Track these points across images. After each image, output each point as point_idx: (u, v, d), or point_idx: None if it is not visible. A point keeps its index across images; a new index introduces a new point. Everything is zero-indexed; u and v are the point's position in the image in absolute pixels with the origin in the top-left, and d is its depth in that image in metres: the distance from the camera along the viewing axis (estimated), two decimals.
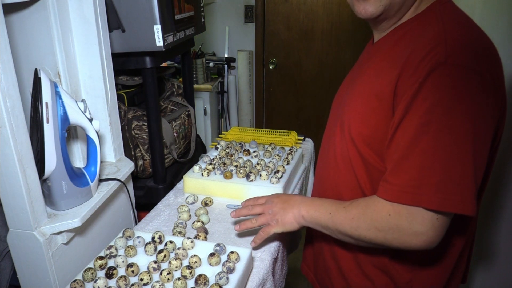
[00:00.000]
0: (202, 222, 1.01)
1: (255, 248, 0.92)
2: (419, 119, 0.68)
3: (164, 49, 1.18)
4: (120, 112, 1.28)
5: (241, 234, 0.98)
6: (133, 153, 1.35)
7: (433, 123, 0.67)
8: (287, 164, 1.19)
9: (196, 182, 1.14)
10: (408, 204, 0.69)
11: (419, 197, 0.68)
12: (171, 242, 0.86)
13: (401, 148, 0.71)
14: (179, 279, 0.74)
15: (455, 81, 0.67)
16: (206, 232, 0.97)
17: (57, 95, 0.87)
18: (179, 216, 1.04)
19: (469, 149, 0.66)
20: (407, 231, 0.71)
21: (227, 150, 1.29)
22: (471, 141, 0.66)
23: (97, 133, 0.97)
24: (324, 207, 0.83)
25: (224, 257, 0.82)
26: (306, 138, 1.53)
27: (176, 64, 2.71)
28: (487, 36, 0.77)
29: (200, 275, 0.75)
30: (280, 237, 0.99)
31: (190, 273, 0.76)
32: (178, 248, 0.84)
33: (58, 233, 0.90)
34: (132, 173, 1.20)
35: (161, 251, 0.82)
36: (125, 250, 0.84)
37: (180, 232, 0.96)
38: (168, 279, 0.75)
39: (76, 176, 0.94)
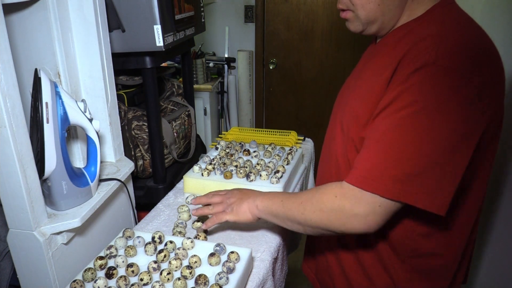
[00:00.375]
0: (202, 222, 1.01)
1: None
2: (396, 112, 0.70)
3: (164, 49, 1.18)
4: (120, 112, 1.28)
5: (241, 235, 0.98)
6: (133, 153, 1.35)
7: (408, 118, 0.69)
8: (287, 164, 1.19)
9: (196, 182, 1.14)
10: (365, 189, 0.71)
11: (376, 184, 0.70)
12: (171, 242, 0.86)
13: (374, 136, 0.73)
14: (179, 279, 0.74)
15: (439, 82, 0.68)
16: (206, 232, 0.97)
17: (57, 95, 0.87)
18: (179, 216, 1.04)
19: (438, 148, 0.68)
20: (348, 212, 0.74)
21: (227, 150, 1.29)
22: (442, 141, 0.68)
23: (97, 133, 0.97)
24: (278, 196, 0.87)
25: (224, 257, 0.82)
26: (306, 138, 1.53)
27: (176, 64, 2.71)
28: (489, 40, 0.76)
29: (200, 275, 0.75)
30: (280, 237, 0.99)
31: (190, 273, 0.76)
32: (178, 248, 0.84)
33: (58, 233, 0.90)
34: (132, 173, 1.20)
35: (161, 251, 0.82)
36: (125, 250, 0.84)
37: (180, 232, 0.96)
38: (168, 279, 0.75)
39: (76, 176, 0.94)
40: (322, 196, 0.78)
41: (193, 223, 1.00)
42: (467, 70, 0.68)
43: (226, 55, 3.12)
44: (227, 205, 0.92)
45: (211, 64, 3.01)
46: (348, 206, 0.74)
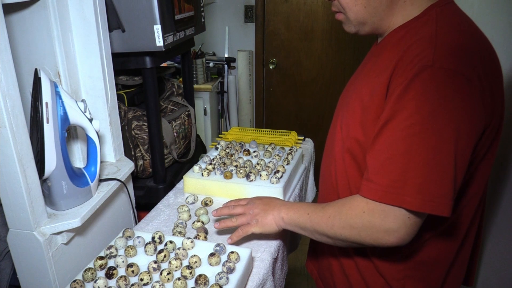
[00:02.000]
0: (202, 222, 1.01)
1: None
2: (405, 120, 0.70)
3: (164, 49, 1.18)
4: (120, 112, 1.28)
5: None
6: (133, 153, 1.35)
7: (418, 125, 0.68)
8: (287, 164, 1.19)
9: (196, 182, 1.14)
10: (391, 204, 0.71)
11: (401, 197, 0.69)
12: (171, 242, 0.86)
13: (387, 148, 0.72)
14: (179, 279, 0.74)
15: (440, 84, 0.68)
16: (206, 232, 0.97)
17: (57, 95, 0.87)
18: (179, 216, 1.04)
19: (451, 151, 0.68)
20: (379, 228, 0.73)
21: (227, 150, 1.29)
22: (453, 144, 0.67)
23: (97, 133, 0.97)
24: (303, 208, 0.85)
25: (224, 257, 0.82)
26: (306, 138, 1.53)
27: (176, 64, 2.71)
28: (485, 40, 0.76)
29: (200, 275, 0.75)
30: (280, 237, 0.99)
31: (190, 273, 0.77)
32: (178, 248, 0.84)
33: (58, 233, 0.90)
34: (132, 173, 1.20)
35: (161, 251, 0.82)
36: (125, 250, 0.84)
37: (180, 232, 0.96)
38: (168, 279, 0.75)
39: (76, 176, 0.94)
40: (349, 211, 0.77)
41: (193, 223, 1.00)
42: (466, 70, 0.68)
43: (226, 55, 3.12)
44: (251, 216, 0.90)
45: (211, 64, 3.01)
46: (378, 222, 0.73)
